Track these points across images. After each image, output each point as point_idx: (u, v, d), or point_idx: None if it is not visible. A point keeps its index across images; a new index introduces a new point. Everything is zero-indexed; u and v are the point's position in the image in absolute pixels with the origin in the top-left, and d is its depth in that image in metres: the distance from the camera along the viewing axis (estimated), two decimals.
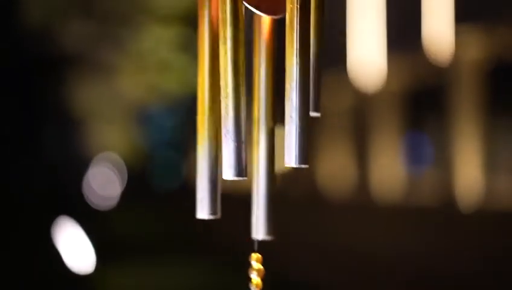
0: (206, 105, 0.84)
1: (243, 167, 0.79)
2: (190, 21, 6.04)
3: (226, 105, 0.80)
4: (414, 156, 8.14)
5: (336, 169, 9.04)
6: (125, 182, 8.71)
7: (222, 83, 0.79)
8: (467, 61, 7.10)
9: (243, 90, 0.79)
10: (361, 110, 8.56)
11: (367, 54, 8.13)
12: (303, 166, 0.79)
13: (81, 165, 7.57)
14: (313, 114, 0.83)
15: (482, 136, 6.95)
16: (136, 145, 7.29)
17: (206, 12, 0.83)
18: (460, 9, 7.13)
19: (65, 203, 7.02)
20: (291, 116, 0.80)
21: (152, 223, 8.93)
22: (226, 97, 0.80)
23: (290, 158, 0.79)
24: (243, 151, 0.80)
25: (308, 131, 0.80)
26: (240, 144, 0.80)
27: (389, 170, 8.21)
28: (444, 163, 7.39)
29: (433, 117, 7.80)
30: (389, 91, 8.18)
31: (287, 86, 0.80)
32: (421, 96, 7.90)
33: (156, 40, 5.95)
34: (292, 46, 0.80)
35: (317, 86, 0.83)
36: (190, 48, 6.05)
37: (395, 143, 8.25)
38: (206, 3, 0.84)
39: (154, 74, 6.18)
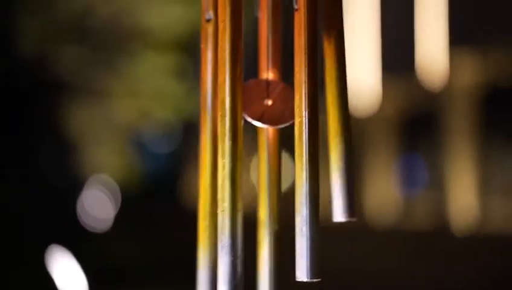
0: (208, 211, 0.86)
1: (237, 284, 0.79)
2: (185, 48, 6.08)
3: (223, 219, 0.80)
4: (408, 180, 8.14)
5: (330, 192, 9.02)
6: (119, 205, 8.69)
7: (219, 196, 0.80)
8: (461, 85, 7.13)
9: (240, 205, 0.80)
10: (356, 134, 8.58)
11: (361, 78, 8.16)
12: (315, 280, 0.80)
13: (75, 188, 7.55)
14: (349, 219, 0.83)
15: (476, 159, 6.97)
16: (130, 169, 7.28)
17: (208, 123, 0.86)
18: (454, 34, 7.17)
19: (59, 226, 7.00)
20: (301, 230, 0.80)
21: (146, 247, 8.89)
22: (223, 211, 0.80)
23: (301, 272, 0.79)
24: (238, 266, 0.80)
25: (320, 242, 0.80)
26: (235, 258, 0.80)
27: (383, 193, 8.21)
28: (439, 186, 7.40)
29: (427, 141, 7.82)
30: (384, 115, 8.20)
31: (297, 200, 0.81)
32: (416, 120, 7.93)
33: (151, 66, 5.98)
34: (301, 161, 0.81)
35: (348, 190, 0.83)
36: (185, 75, 6.09)
37: (389, 166, 8.26)
38: (208, 117, 0.87)
39: (148, 100, 6.20)
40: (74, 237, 7.59)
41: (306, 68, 0.82)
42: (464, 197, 6.99)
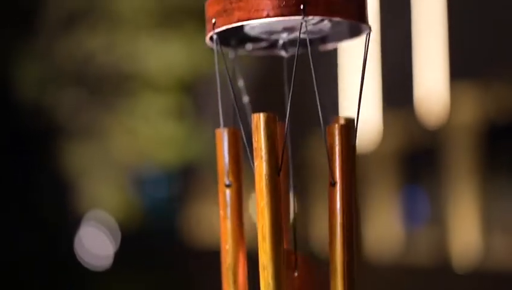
0: None
1: None
2: (185, 90, 6.12)
3: None
4: (410, 215, 8.12)
5: None
6: (119, 242, 8.66)
7: None
8: (461, 121, 7.14)
9: None
10: (357, 169, 8.56)
11: (362, 114, 8.16)
12: None
13: (74, 226, 7.53)
14: None
15: (478, 196, 6.95)
16: (129, 206, 7.28)
17: None
18: (453, 69, 7.20)
19: (57, 263, 6.97)
20: None
21: (146, 284, 8.85)
22: None
23: None
24: None
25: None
26: None
27: (384, 228, 8.18)
28: (440, 222, 7.37)
29: (428, 177, 7.81)
30: (385, 151, 8.20)
31: None
32: (417, 156, 7.92)
33: (150, 107, 6.00)
34: None
35: None
36: (185, 116, 6.12)
37: (390, 202, 8.24)
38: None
39: (148, 141, 6.22)
40: (74, 275, 7.55)
41: (343, 248, 0.91)
42: (465, 234, 6.96)
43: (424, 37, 7.47)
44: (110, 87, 5.91)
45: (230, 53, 1.16)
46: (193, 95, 6.69)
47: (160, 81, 5.93)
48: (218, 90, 1.06)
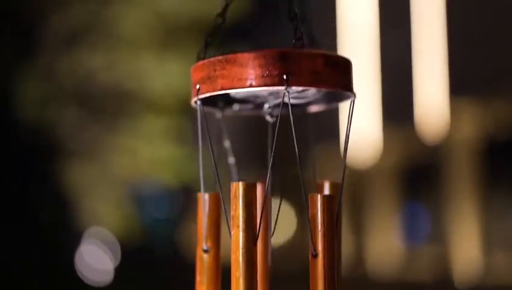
0: None
1: None
2: (185, 113, 6.11)
3: None
4: (410, 232, 8.10)
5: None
6: (119, 258, 8.65)
7: None
8: (461, 137, 7.13)
9: None
10: (357, 186, 8.56)
11: (362, 130, 8.17)
12: None
13: (75, 242, 7.53)
14: None
15: (478, 212, 6.93)
16: (129, 223, 7.28)
17: None
18: (453, 86, 7.19)
19: (58, 279, 6.97)
20: None
21: None
22: None
23: None
24: None
25: None
26: None
27: (385, 244, 8.16)
28: (441, 238, 7.36)
29: (428, 193, 7.80)
30: (384, 166, 8.19)
31: None
32: (416, 171, 7.91)
33: (150, 129, 6.00)
34: None
35: None
36: (184, 139, 6.11)
37: (390, 218, 8.23)
38: None
39: (148, 162, 6.22)
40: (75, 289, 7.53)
41: None
42: (466, 250, 6.95)
43: (424, 54, 7.47)
44: (111, 106, 5.91)
45: (217, 113, 1.17)
46: (193, 116, 6.69)
47: (161, 101, 5.92)
48: (200, 155, 1.06)
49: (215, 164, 1.02)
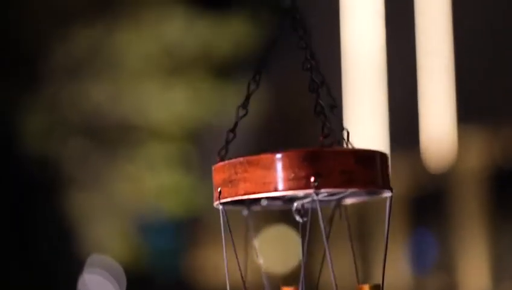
0: None
1: None
2: (190, 140, 6.07)
3: None
4: (418, 260, 8.03)
5: (338, 273, 8.89)
6: (124, 286, 8.60)
7: None
8: (468, 164, 7.09)
9: None
10: (364, 213, 8.49)
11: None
12: None
13: (78, 271, 7.49)
14: None
15: (487, 241, 6.87)
16: (134, 251, 7.23)
17: None
18: (460, 113, 7.15)
19: None
20: None
21: None
22: None
23: None
24: None
25: None
26: None
27: (393, 273, 8.08)
28: (449, 268, 7.29)
29: (436, 221, 7.73)
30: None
31: None
32: (423, 199, 7.85)
33: (155, 157, 5.96)
34: None
35: None
36: (190, 166, 6.06)
37: (398, 246, 8.15)
38: None
39: (152, 190, 6.17)
40: None
41: None
42: (474, 280, 6.88)
43: (431, 81, 7.43)
44: (115, 135, 5.87)
45: (244, 211, 1.09)
46: (198, 145, 6.65)
47: (165, 130, 5.88)
48: (225, 260, 0.98)
49: (243, 278, 0.93)
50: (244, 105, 1.02)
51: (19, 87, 5.81)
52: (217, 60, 5.84)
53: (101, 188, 6.10)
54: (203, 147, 7.09)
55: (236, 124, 1.03)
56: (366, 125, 8.14)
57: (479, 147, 6.98)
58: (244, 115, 1.03)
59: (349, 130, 1.05)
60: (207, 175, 7.10)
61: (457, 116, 7.18)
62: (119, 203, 6.24)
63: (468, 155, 7.07)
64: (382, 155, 0.98)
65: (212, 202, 1.00)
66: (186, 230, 8.27)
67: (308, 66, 0.99)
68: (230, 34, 5.57)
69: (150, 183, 6.06)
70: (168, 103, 5.84)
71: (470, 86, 7.07)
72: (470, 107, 7.09)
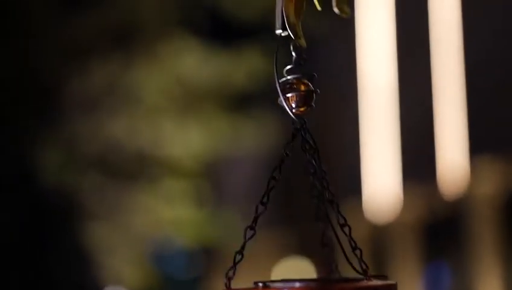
0: None
1: None
2: (205, 175, 6.11)
3: None
4: (432, 289, 8.01)
5: None
6: None
7: None
8: (483, 193, 7.08)
9: None
10: (377, 243, 8.49)
11: (382, 186, 8.13)
12: None
13: None
14: None
15: (503, 271, 6.85)
16: (149, 282, 7.27)
17: None
18: (474, 141, 7.16)
19: None
20: None
21: None
22: None
23: None
24: None
25: None
26: None
27: None
28: None
29: (451, 251, 7.71)
30: (405, 223, 8.12)
31: None
32: (438, 228, 7.84)
33: (170, 191, 6.00)
34: None
35: None
36: (204, 199, 6.10)
37: (412, 276, 8.13)
38: None
39: (167, 222, 6.21)
40: None
41: None
42: None
43: (444, 109, 7.45)
44: (131, 169, 5.92)
45: None
46: (213, 179, 6.69)
47: (181, 164, 5.92)
48: None
49: None
50: (252, 227, 1.05)
51: (37, 121, 5.88)
52: (232, 93, 5.90)
53: (117, 219, 6.14)
54: (218, 181, 7.14)
55: (244, 246, 1.05)
56: (379, 153, 8.17)
57: (493, 175, 6.98)
58: (253, 235, 1.05)
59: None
60: (220, 208, 7.16)
61: (470, 145, 7.19)
62: (135, 235, 6.28)
63: (482, 183, 7.07)
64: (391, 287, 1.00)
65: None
66: (200, 262, 8.30)
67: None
68: (245, 67, 5.63)
69: (165, 215, 6.10)
70: (183, 137, 5.89)
71: (484, 114, 7.08)
72: (484, 136, 7.10)
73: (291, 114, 1.03)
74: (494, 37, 7.03)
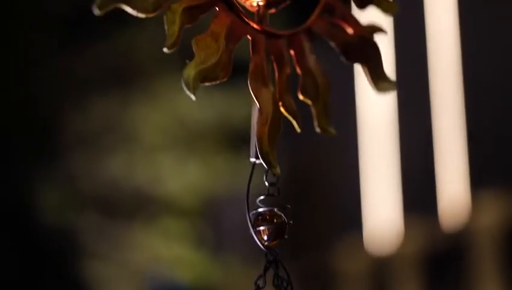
0: None
1: None
2: (203, 215, 6.09)
3: None
4: None
5: None
6: None
7: None
8: (484, 226, 7.05)
9: None
10: (378, 275, 8.45)
11: (382, 218, 8.10)
12: None
13: None
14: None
15: None
16: None
17: None
18: (476, 174, 7.15)
19: None
20: None
21: None
22: None
23: None
24: None
25: None
26: None
27: None
28: None
29: (452, 283, 7.67)
30: (406, 256, 8.08)
31: None
32: (440, 260, 7.80)
33: (168, 230, 5.98)
34: None
35: None
36: (203, 239, 6.06)
37: None
38: None
39: (166, 261, 6.18)
40: None
41: None
42: None
43: (444, 141, 7.44)
44: (130, 207, 5.90)
45: None
46: (212, 218, 6.68)
47: (179, 203, 5.90)
48: None
49: None
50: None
51: (35, 159, 5.87)
52: (231, 132, 5.88)
53: (116, 257, 6.11)
54: (217, 221, 7.12)
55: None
56: (380, 186, 8.14)
57: (494, 207, 6.96)
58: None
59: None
60: (219, 248, 7.12)
61: (472, 177, 7.18)
62: (133, 273, 6.24)
63: (484, 216, 7.05)
64: None
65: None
66: None
67: None
68: (245, 106, 5.62)
69: (163, 253, 6.07)
70: (182, 176, 5.87)
71: (486, 146, 7.07)
72: (485, 168, 7.09)
73: (262, 247, 0.99)
74: (495, 67, 7.04)
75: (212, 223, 7.01)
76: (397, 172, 8.03)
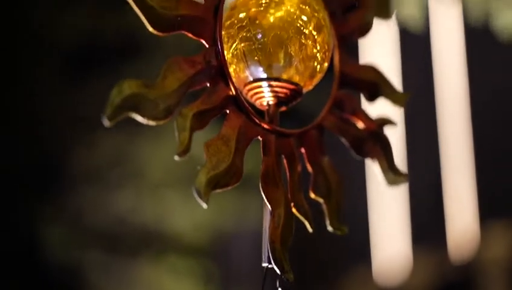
0: None
1: None
2: (210, 254, 6.06)
3: None
4: None
5: None
6: None
7: None
8: (493, 256, 7.02)
9: None
10: None
11: (391, 250, 8.06)
12: None
13: None
14: None
15: None
16: None
17: None
18: (484, 206, 7.13)
19: None
20: None
21: None
22: None
23: None
24: None
25: None
26: None
27: None
28: None
29: None
30: (415, 288, 8.02)
31: None
32: None
33: (175, 267, 5.95)
34: None
35: None
36: (210, 280, 6.03)
37: None
38: None
39: None
40: None
41: None
42: None
43: (453, 173, 7.43)
44: (137, 244, 5.87)
45: None
46: (218, 256, 6.65)
47: (186, 240, 5.88)
48: None
49: None
50: None
51: (41, 195, 5.85)
52: None
53: (123, 288, 6.09)
54: (223, 258, 7.07)
55: None
56: (388, 217, 8.11)
57: (504, 240, 6.93)
58: None
59: None
60: (227, 285, 7.07)
61: (481, 209, 7.16)
62: None
63: (493, 248, 7.01)
64: None
65: None
66: None
67: None
68: (252, 149, 5.60)
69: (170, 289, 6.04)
70: (189, 213, 5.85)
71: (494, 178, 7.06)
72: (494, 200, 7.07)
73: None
74: (503, 101, 7.04)
75: (220, 259, 6.98)
76: (406, 204, 7.99)
